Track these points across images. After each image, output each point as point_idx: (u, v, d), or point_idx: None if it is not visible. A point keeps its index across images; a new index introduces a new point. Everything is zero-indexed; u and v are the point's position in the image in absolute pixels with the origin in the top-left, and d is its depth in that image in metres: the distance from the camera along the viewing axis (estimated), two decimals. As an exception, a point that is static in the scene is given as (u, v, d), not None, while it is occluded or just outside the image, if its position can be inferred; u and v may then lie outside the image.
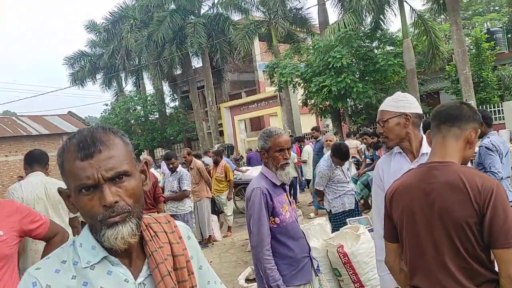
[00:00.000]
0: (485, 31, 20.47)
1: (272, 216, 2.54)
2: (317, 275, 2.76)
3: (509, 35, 22.62)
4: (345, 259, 3.46)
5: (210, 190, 8.03)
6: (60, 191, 1.16)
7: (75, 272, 1.08)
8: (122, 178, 1.08)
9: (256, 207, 2.50)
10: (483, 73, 17.85)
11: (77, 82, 31.63)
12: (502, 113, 17.47)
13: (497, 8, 28.99)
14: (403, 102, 2.41)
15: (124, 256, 1.12)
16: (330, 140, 7.51)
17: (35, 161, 3.66)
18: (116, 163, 1.07)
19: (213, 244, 8.01)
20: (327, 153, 5.12)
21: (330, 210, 4.98)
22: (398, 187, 1.81)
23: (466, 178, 1.60)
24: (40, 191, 3.40)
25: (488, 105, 17.89)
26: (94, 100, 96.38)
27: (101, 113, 32.25)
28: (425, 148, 2.34)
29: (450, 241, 1.61)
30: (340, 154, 4.83)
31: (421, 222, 1.69)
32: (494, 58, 18.61)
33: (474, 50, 18.62)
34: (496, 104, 17.84)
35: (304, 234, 2.73)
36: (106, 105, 32.17)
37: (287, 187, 2.73)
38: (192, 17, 25.15)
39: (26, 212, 2.29)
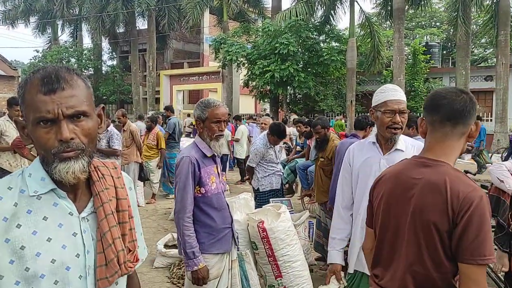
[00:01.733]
0: (424, 43, 21.71)
1: (198, 185, 2.57)
2: (237, 246, 2.85)
3: (444, 52, 24.18)
4: (264, 234, 3.61)
5: (140, 155, 7.87)
6: (16, 120, 1.20)
7: (18, 199, 1.10)
8: (80, 117, 1.12)
9: (183, 175, 2.53)
10: (415, 83, 19.00)
11: (7, 22, 29.22)
12: (425, 123, 18.76)
13: (438, 24, 30.76)
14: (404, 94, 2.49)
15: (71, 191, 1.17)
16: (265, 124, 7.74)
17: None
18: (76, 102, 1.10)
19: (134, 209, 7.92)
20: (264, 132, 5.24)
21: (258, 188, 5.12)
22: (384, 175, 1.74)
23: (451, 183, 1.48)
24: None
25: (415, 113, 19.11)
26: (24, 45, 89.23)
27: (30, 59, 30.13)
28: (401, 144, 2.43)
29: (416, 242, 1.53)
30: (278, 132, 4.97)
31: (394, 215, 1.63)
32: (428, 70, 19.85)
33: (411, 60, 19.72)
34: (421, 114, 19.09)
35: (229, 206, 2.79)
36: (37, 51, 30.08)
37: (218, 159, 2.76)
38: (145, -25, 24.12)
39: None
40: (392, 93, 2.42)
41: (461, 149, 1.62)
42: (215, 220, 2.61)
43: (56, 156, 1.08)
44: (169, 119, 9.52)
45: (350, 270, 2.54)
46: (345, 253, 2.68)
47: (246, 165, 5.30)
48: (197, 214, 2.58)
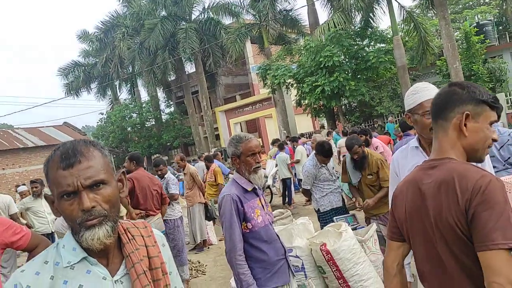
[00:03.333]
0: (475, 24, 20.58)
1: (244, 221, 2.57)
2: (294, 276, 2.79)
3: (499, 27, 22.74)
4: (328, 257, 3.51)
5: (203, 195, 8.07)
6: (46, 196, 1.31)
7: (54, 272, 1.18)
8: (99, 186, 1.19)
9: (227, 214, 2.54)
10: (474, 67, 17.94)
11: (71, 92, 31.74)
12: (495, 106, 17.53)
13: (487, 0, 29.12)
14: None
15: (102, 256, 1.23)
16: (314, 143, 7.71)
17: None
18: (94, 172, 1.18)
19: (208, 248, 8.05)
20: (312, 153, 5.17)
21: (318, 209, 5.03)
22: (401, 186, 1.67)
23: (458, 177, 1.41)
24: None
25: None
26: (89, 110, 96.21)
27: (97, 122, 32.36)
28: None
29: (447, 247, 1.43)
30: (323, 151, 4.89)
31: (418, 227, 1.53)
32: (485, 51, 18.70)
33: (464, 44, 18.71)
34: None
35: (279, 237, 2.76)
36: (102, 114, 32.27)
37: (260, 192, 2.75)
38: (184, 23, 25.26)
39: (7, 224, 2.34)
40: (426, 92, 2.30)
41: (457, 142, 1.52)
42: (267, 253, 2.58)
43: (81, 225, 1.16)
44: None
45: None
46: None
47: (301, 188, 5.23)
48: (248, 250, 2.57)
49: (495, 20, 22.50)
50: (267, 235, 2.61)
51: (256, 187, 2.66)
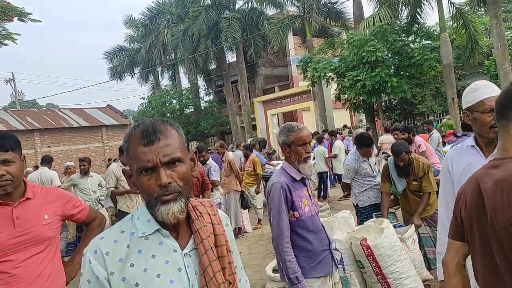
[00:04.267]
0: (529, 24, 19.65)
1: (291, 210, 2.61)
2: (337, 267, 2.83)
3: (555, 28, 21.59)
4: (368, 252, 3.53)
5: (240, 184, 8.18)
6: (123, 171, 1.38)
7: (130, 241, 1.27)
8: (176, 163, 1.26)
9: (275, 201, 2.58)
10: (525, 68, 17.16)
11: (116, 76, 32.66)
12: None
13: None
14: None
15: (173, 230, 1.31)
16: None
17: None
18: (171, 150, 1.26)
19: (243, 235, 8.19)
20: (354, 147, 5.16)
21: (357, 204, 5.03)
22: (465, 185, 1.62)
23: None
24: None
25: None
26: (132, 94, 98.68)
27: (138, 106, 33.18)
28: None
29: (501, 250, 1.40)
30: (362, 141, 4.86)
31: (477, 226, 1.52)
32: (537, 52, 17.86)
33: (515, 45, 17.93)
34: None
35: (324, 228, 2.80)
36: (143, 98, 33.08)
37: (308, 181, 2.79)
38: (227, 12, 25.40)
39: (68, 198, 2.49)
40: (486, 90, 2.22)
41: None
42: (313, 243, 2.63)
43: (157, 199, 1.23)
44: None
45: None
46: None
47: (341, 181, 5.24)
48: (294, 239, 2.62)
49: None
50: (313, 225, 2.66)
51: (305, 177, 2.71)
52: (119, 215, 6.02)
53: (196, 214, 1.36)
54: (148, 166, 1.23)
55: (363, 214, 4.90)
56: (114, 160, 7.66)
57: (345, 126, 20.89)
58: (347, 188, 5.14)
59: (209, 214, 1.40)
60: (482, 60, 18.03)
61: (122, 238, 1.27)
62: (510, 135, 1.50)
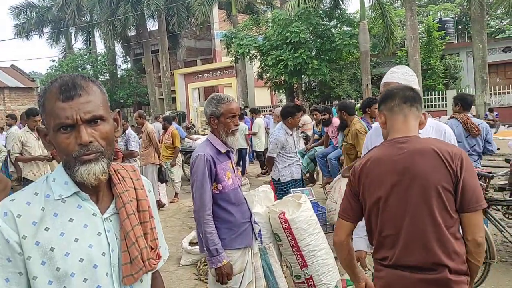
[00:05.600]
0: (437, 20, 21.23)
1: (215, 182, 2.58)
2: (257, 239, 2.86)
3: (459, 26, 23.60)
4: (286, 225, 3.60)
5: (159, 156, 7.94)
6: (38, 129, 1.26)
7: (45, 204, 1.16)
8: (98, 122, 1.17)
9: (199, 173, 2.53)
10: (432, 61, 18.61)
11: (22, 34, 29.79)
12: (445, 101, 18.40)
13: (451, -2, 30.02)
14: (413, 78, 2.42)
15: (93, 193, 1.22)
16: (277, 115, 7.82)
17: None
18: (93, 107, 1.16)
19: (159, 209, 8.01)
20: (280, 122, 5.18)
21: (279, 179, 5.08)
22: (365, 163, 1.80)
23: (435, 146, 1.66)
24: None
25: (433, 92, 18.73)
26: (40, 55, 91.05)
27: (47, 69, 30.71)
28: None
29: (428, 209, 1.63)
30: (288, 110, 4.97)
31: (396, 193, 1.69)
32: (443, 47, 19.41)
33: (425, 38, 19.30)
34: (440, 92, 18.73)
35: (246, 200, 2.80)
36: (53, 61, 30.64)
37: (232, 155, 2.75)
38: (151, -24, 24.19)
39: None
40: (389, 75, 2.46)
41: (417, 130, 1.81)
42: (235, 215, 2.62)
43: (77, 159, 1.14)
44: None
45: None
46: None
47: (267, 156, 5.25)
48: (217, 211, 2.59)
49: (456, 19, 23.30)
50: (236, 198, 2.64)
51: (229, 150, 2.66)
52: (24, 183, 5.54)
53: (118, 178, 1.29)
54: (67, 123, 1.13)
55: (283, 189, 4.98)
56: (11, 126, 6.92)
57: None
58: (271, 163, 5.16)
59: (131, 179, 1.34)
60: (395, 50, 19.19)
61: (36, 200, 1.16)
62: (412, 121, 1.79)
